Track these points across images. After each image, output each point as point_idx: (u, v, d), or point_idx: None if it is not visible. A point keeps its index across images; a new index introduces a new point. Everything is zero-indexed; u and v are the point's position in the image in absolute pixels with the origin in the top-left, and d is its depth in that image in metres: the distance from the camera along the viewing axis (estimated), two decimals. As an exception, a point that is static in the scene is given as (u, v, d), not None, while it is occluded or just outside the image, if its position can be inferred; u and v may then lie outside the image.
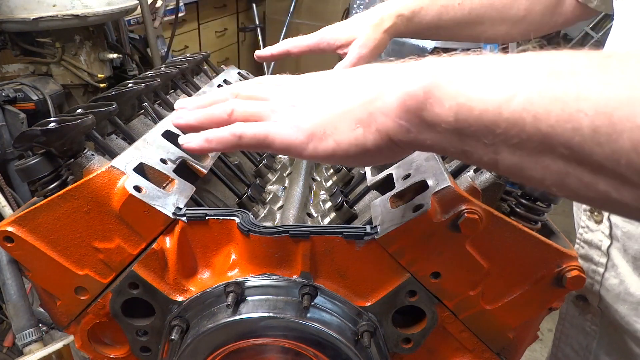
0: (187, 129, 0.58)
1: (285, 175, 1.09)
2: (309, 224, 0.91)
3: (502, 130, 0.37)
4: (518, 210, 0.65)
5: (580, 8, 0.96)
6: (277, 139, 0.52)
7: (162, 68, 1.20)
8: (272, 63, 4.12)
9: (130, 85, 0.97)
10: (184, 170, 0.77)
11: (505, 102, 0.37)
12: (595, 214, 0.78)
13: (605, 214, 0.76)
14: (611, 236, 0.76)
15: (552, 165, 0.36)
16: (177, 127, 0.59)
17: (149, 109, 0.98)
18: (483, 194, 0.67)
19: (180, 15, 2.69)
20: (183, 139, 0.57)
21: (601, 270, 0.78)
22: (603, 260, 0.77)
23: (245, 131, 0.53)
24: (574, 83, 0.34)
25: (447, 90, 0.41)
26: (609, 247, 0.76)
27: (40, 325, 0.89)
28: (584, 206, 0.80)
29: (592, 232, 0.79)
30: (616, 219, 0.74)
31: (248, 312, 0.65)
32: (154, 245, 0.66)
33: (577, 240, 0.82)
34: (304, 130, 0.51)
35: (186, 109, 0.59)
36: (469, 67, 0.42)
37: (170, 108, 1.06)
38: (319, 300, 0.66)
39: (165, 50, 2.51)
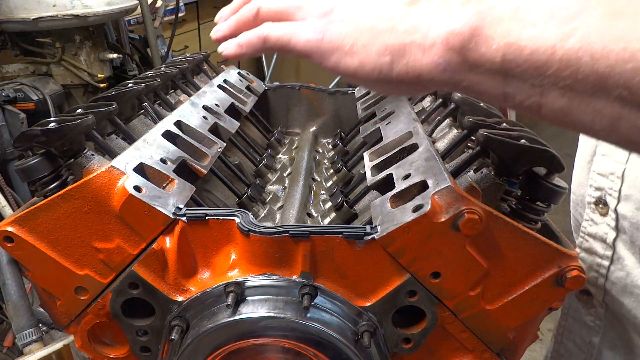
0: (224, 40, 0.59)
1: (285, 175, 1.09)
2: (309, 224, 0.91)
3: (553, 71, 0.36)
4: (518, 210, 0.65)
5: None
6: (300, 42, 0.51)
7: (162, 68, 1.20)
8: (273, 62, 4.12)
9: (130, 85, 0.97)
10: (184, 170, 0.77)
11: (560, 41, 0.35)
12: (601, 206, 0.76)
13: (612, 206, 0.74)
14: (617, 228, 0.74)
15: (605, 109, 0.35)
16: (216, 40, 0.60)
17: (149, 109, 0.98)
18: (483, 194, 0.67)
19: (180, 15, 2.69)
20: (221, 47, 0.59)
21: (606, 263, 0.76)
22: (608, 253, 0.76)
23: (271, 33, 0.53)
24: (636, 22, 0.33)
25: (495, 29, 0.39)
26: (614, 239, 0.75)
27: (40, 325, 0.89)
28: (587, 199, 0.78)
29: (596, 224, 0.77)
30: (624, 210, 0.72)
31: (248, 312, 0.65)
32: (154, 245, 0.66)
33: (581, 234, 0.80)
34: (330, 40, 0.49)
35: (222, 18, 0.62)
36: (519, 4, 0.39)
37: (171, 108, 1.06)
38: (319, 300, 0.66)
39: (165, 50, 2.51)
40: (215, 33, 0.60)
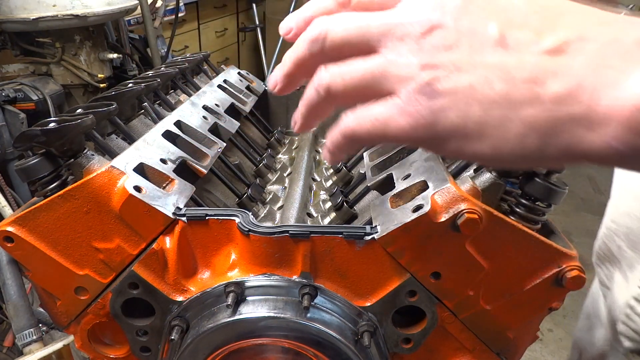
0: (285, 83, 0.44)
1: (285, 175, 1.09)
2: (309, 224, 0.91)
3: None
4: (518, 210, 0.65)
5: None
6: (398, 132, 0.36)
7: (162, 68, 1.20)
8: (273, 62, 4.12)
9: (130, 85, 0.97)
10: (184, 170, 0.77)
11: None
12: None
13: None
14: None
15: None
16: (274, 90, 0.45)
17: (149, 109, 0.98)
18: (483, 194, 0.67)
19: (180, 15, 2.69)
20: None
21: None
22: None
23: (356, 128, 0.38)
24: None
25: None
26: None
27: (40, 325, 0.89)
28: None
29: None
30: None
31: (248, 312, 0.65)
32: (154, 245, 0.66)
33: (637, 287, 0.72)
34: (443, 125, 0.35)
35: (288, 31, 0.44)
36: None
37: (171, 108, 1.06)
38: (319, 300, 0.66)
39: (165, 50, 2.51)
40: (273, 83, 0.44)
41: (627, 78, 0.29)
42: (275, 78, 0.43)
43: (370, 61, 0.37)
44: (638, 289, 0.74)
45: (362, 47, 0.37)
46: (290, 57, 0.41)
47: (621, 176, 0.76)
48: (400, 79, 0.35)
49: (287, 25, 0.43)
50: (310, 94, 0.40)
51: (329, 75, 0.38)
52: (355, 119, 0.38)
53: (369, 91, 0.37)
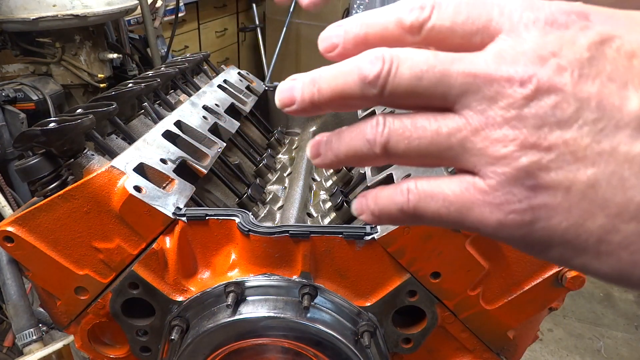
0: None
1: (285, 175, 1.09)
2: (309, 224, 0.91)
3: None
4: (518, 210, 0.65)
5: None
6: (483, 229, 0.27)
7: (162, 68, 1.20)
8: (273, 62, 4.12)
9: (130, 85, 0.97)
10: (184, 170, 0.77)
11: None
12: None
13: None
14: None
15: None
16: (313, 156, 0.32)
17: (149, 109, 0.98)
18: (483, 194, 0.67)
19: (180, 15, 2.69)
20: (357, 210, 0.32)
21: None
22: None
23: (422, 206, 0.28)
24: None
25: None
26: None
27: (40, 325, 0.89)
28: None
29: None
30: None
31: (248, 312, 0.65)
32: (154, 245, 0.66)
33: None
34: (551, 230, 0.25)
35: (331, 46, 0.30)
36: None
37: (171, 108, 1.06)
38: (319, 300, 0.66)
39: (165, 50, 2.51)
40: (314, 160, 0.32)
41: None
42: (300, 98, 0.30)
43: (445, 123, 0.27)
44: None
45: (435, 101, 0.27)
46: (329, 84, 0.29)
47: None
48: (486, 156, 0.26)
49: (329, 40, 0.30)
50: (358, 142, 0.29)
51: (387, 132, 0.28)
52: (420, 194, 0.28)
53: (440, 162, 0.28)
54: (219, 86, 1.18)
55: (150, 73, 1.14)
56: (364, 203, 0.31)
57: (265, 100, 1.40)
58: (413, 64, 0.26)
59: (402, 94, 0.27)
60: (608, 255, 0.25)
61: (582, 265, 0.26)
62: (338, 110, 0.31)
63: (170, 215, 0.65)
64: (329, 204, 0.96)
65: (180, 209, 0.66)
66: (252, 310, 0.65)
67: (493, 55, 0.25)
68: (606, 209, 0.24)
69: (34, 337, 0.86)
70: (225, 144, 0.93)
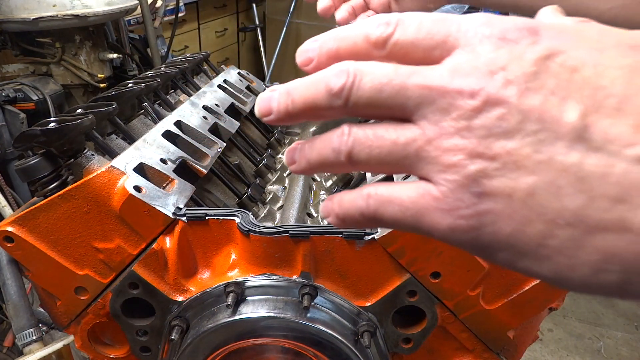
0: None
1: (285, 175, 1.09)
2: (309, 224, 0.91)
3: None
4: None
5: None
6: (436, 234, 0.28)
7: (162, 68, 1.20)
8: (273, 62, 4.12)
9: (130, 85, 0.97)
10: (184, 170, 0.77)
11: None
12: None
13: None
14: None
15: None
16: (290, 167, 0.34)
17: (149, 109, 0.98)
18: (483, 194, 0.67)
19: (180, 15, 2.69)
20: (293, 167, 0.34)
21: None
22: None
23: (380, 211, 0.30)
24: None
25: None
26: None
27: (40, 325, 0.89)
28: None
29: None
30: None
31: (248, 312, 0.65)
32: (154, 245, 0.66)
33: None
34: (495, 234, 0.27)
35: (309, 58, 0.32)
36: None
37: (171, 108, 1.06)
38: (319, 300, 0.66)
39: (165, 50, 2.51)
40: (291, 166, 0.33)
41: None
42: (277, 108, 0.31)
43: (403, 133, 0.28)
44: None
45: (396, 112, 0.28)
46: (301, 95, 0.30)
47: None
48: (439, 164, 0.27)
49: (306, 54, 0.32)
50: (326, 152, 0.31)
51: (352, 141, 0.29)
52: (379, 199, 0.29)
53: (398, 169, 0.29)
54: (219, 86, 1.18)
55: (150, 73, 1.14)
56: (329, 206, 0.32)
57: (265, 100, 1.40)
58: (374, 77, 0.28)
59: (365, 105, 0.29)
60: (547, 259, 0.26)
61: (525, 268, 0.27)
62: (312, 119, 0.32)
63: (170, 215, 0.65)
64: (329, 204, 0.96)
65: (180, 209, 0.66)
66: (252, 310, 0.65)
67: (448, 69, 0.27)
68: (543, 215, 0.25)
69: (34, 337, 0.86)
70: (225, 144, 0.93)
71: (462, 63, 0.27)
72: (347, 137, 0.30)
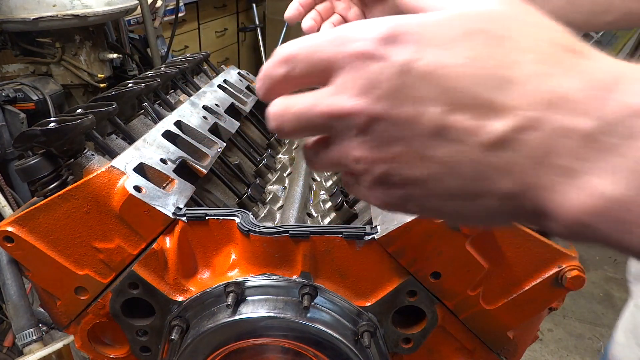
0: None
1: (285, 175, 1.09)
2: (309, 224, 0.91)
3: None
4: (518, 210, 0.65)
5: None
6: (358, 191, 0.35)
7: (162, 68, 1.20)
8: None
9: (130, 85, 0.97)
10: (184, 170, 0.77)
11: None
12: None
13: None
14: None
15: None
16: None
17: (149, 109, 0.98)
18: (483, 194, 0.67)
19: (180, 15, 2.69)
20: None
21: None
22: None
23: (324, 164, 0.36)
24: None
25: None
26: None
27: (40, 325, 0.89)
28: None
29: None
30: None
31: (248, 312, 0.65)
32: (154, 245, 0.66)
33: None
34: (411, 210, 0.34)
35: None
36: None
37: (171, 108, 1.06)
38: (319, 300, 0.66)
39: (165, 50, 2.51)
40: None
41: (569, 183, 0.27)
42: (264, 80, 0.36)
43: (328, 151, 0.35)
44: None
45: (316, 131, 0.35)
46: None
47: None
48: (357, 172, 0.33)
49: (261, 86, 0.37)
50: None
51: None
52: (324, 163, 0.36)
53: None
54: (219, 86, 1.18)
55: (150, 73, 1.14)
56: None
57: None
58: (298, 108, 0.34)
59: (288, 133, 0.35)
60: (451, 218, 0.34)
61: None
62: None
63: (170, 215, 0.65)
64: (329, 204, 0.96)
65: (180, 209, 0.66)
66: (252, 310, 0.65)
67: (335, 91, 0.32)
68: (436, 196, 0.32)
69: (34, 337, 0.86)
70: (225, 144, 0.93)
71: (343, 86, 0.31)
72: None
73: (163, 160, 0.74)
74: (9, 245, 0.68)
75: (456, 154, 0.29)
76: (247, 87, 1.30)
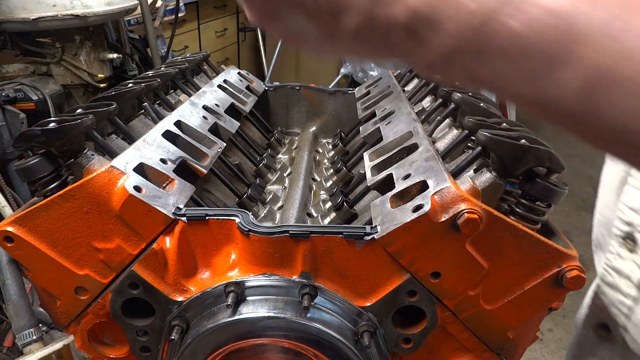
0: None
1: (285, 175, 1.09)
2: (309, 224, 0.91)
3: None
4: (518, 210, 0.65)
5: None
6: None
7: (162, 68, 1.20)
8: (273, 62, 4.12)
9: (130, 85, 0.97)
10: (184, 170, 0.77)
11: None
12: (629, 242, 0.69)
13: None
14: None
15: None
16: None
17: (149, 109, 0.98)
18: (483, 193, 0.67)
19: (180, 15, 2.69)
20: None
21: (629, 302, 0.69)
22: (633, 292, 0.69)
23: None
24: None
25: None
26: None
27: (40, 325, 0.89)
28: (614, 230, 0.71)
29: (622, 259, 0.71)
30: None
31: (248, 312, 0.65)
32: (154, 245, 0.66)
33: (604, 265, 0.74)
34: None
35: None
36: None
37: (171, 108, 1.06)
38: (319, 300, 0.66)
39: (165, 50, 2.51)
40: None
41: None
42: None
43: None
44: (602, 269, 0.75)
45: None
46: None
47: (606, 170, 0.77)
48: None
49: None
50: None
51: None
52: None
53: None
54: (219, 86, 1.18)
55: (150, 73, 1.14)
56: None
57: (265, 100, 1.40)
58: None
59: None
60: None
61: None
62: None
63: (170, 215, 0.65)
64: (329, 204, 0.97)
65: (180, 209, 0.66)
66: (252, 310, 0.65)
67: None
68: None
69: (34, 337, 0.86)
70: (225, 144, 0.93)
71: None
72: None
73: (163, 160, 0.74)
74: (9, 245, 0.68)
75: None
76: (247, 87, 1.30)
